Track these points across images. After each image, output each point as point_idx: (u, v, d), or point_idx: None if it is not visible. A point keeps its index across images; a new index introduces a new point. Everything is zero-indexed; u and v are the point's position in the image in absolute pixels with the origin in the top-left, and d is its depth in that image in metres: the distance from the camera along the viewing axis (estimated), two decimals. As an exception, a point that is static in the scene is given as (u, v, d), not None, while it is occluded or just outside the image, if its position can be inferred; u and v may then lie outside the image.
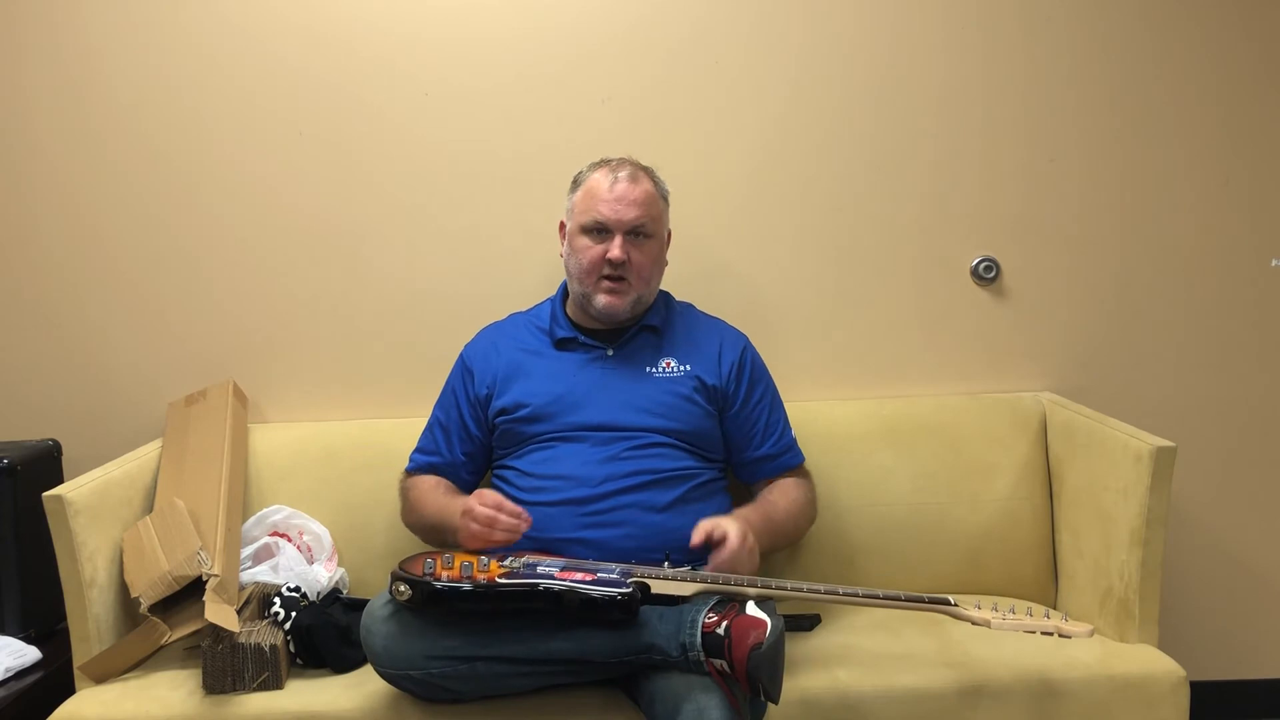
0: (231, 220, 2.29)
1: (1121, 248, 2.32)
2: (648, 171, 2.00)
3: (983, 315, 2.33)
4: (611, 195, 1.93)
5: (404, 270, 2.31)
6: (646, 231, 1.95)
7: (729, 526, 1.75)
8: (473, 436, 2.02)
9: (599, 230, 1.94)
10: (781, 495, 1.99)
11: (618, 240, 1.92)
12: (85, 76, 2.25)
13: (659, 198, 1.99)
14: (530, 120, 2.27)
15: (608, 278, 1.94)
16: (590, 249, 1.94)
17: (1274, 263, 2.33)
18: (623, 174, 1.95)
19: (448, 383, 2.08)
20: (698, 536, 1.76)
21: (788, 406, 2.08)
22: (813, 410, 2.20)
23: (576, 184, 2.00)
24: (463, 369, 2.06)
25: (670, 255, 2.04)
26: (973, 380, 2.34)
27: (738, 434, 2.00)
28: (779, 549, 2.03)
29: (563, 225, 2.03)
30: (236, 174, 2.28)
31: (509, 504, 1.76)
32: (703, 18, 2.26)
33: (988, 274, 2.32)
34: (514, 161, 2.27)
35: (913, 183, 2.30)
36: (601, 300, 1.95)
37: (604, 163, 2.00)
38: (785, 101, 2.28)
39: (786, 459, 2.03)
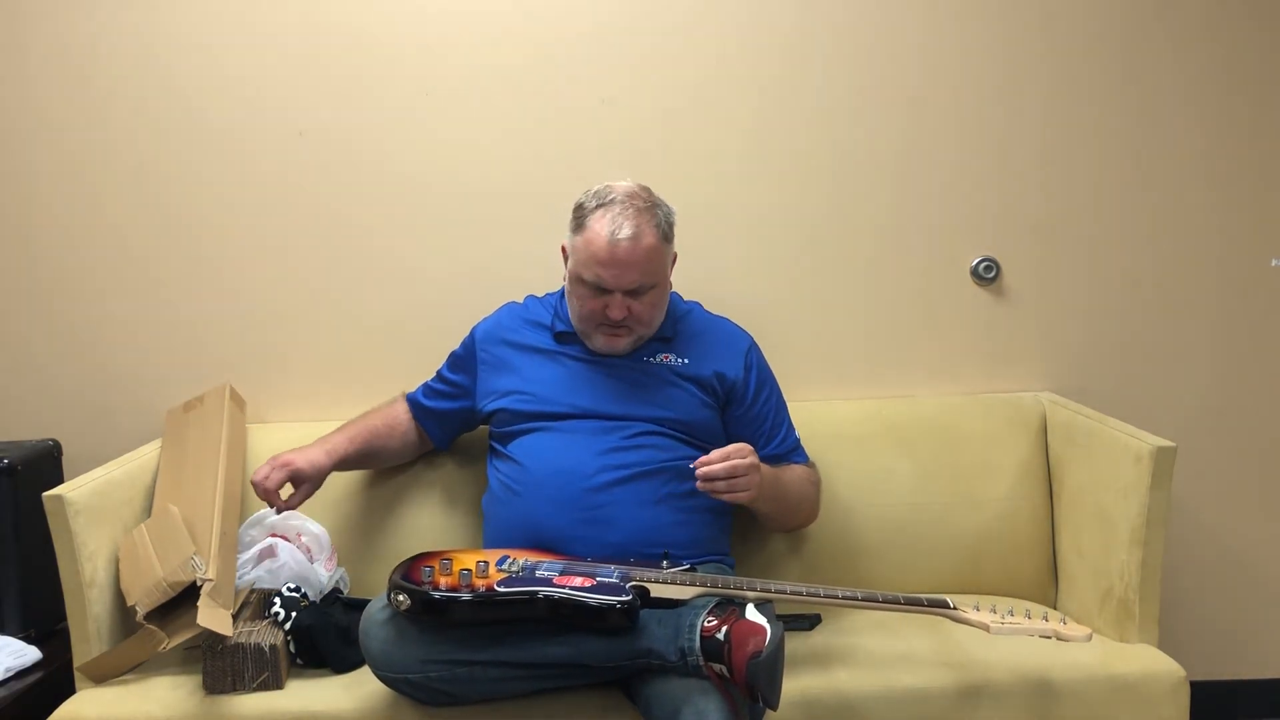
0: (231, 220, 2.29)
1: (1122, 248, 2.32)
2: (651, 213, 1.86)
3: (983, 315, 2.33)
4: (611, 258, 1.82)
5: (403, 270, 2.31)
6: (645, 288, 1.87)
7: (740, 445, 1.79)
8: (448, 383, 2.09)
9: (599, 288, 1.87)
10: (788, 467, 1.99)
11: (617, 300, 1.86)
12: (84, 76, 2.25)
13: (660, 244, 1.86)
14: (531, 120, 2.27)
15: (608, 324, 1.90)
16: (589, 300, 1.88)
17: (1274, 263, 2.33)
18: (624, 233, 1.81)
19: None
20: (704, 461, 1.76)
21: (789, 406, 2.07)
22: (814, 410, 2.20)
23: (579, 221, 1.88)
24: (470, 340, 2.09)
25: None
26: (973, 380, 2.33)
27: (744, 433, 1.97)
28: (783, 516, 2.02)
29: (564, 249, 1.95)
30: (236, 173, 2.28)
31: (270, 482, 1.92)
32: (704, 16, 2.25)
33: (988, 274, 2.31)
34: (514, 162, 2.27)
35: (913, 182, 2.30)
36: (600, 341, 1.94)
37: (607, 203, 1.85)
38: (786, 101, 2.28)
39: (793, 458, 2.02)
